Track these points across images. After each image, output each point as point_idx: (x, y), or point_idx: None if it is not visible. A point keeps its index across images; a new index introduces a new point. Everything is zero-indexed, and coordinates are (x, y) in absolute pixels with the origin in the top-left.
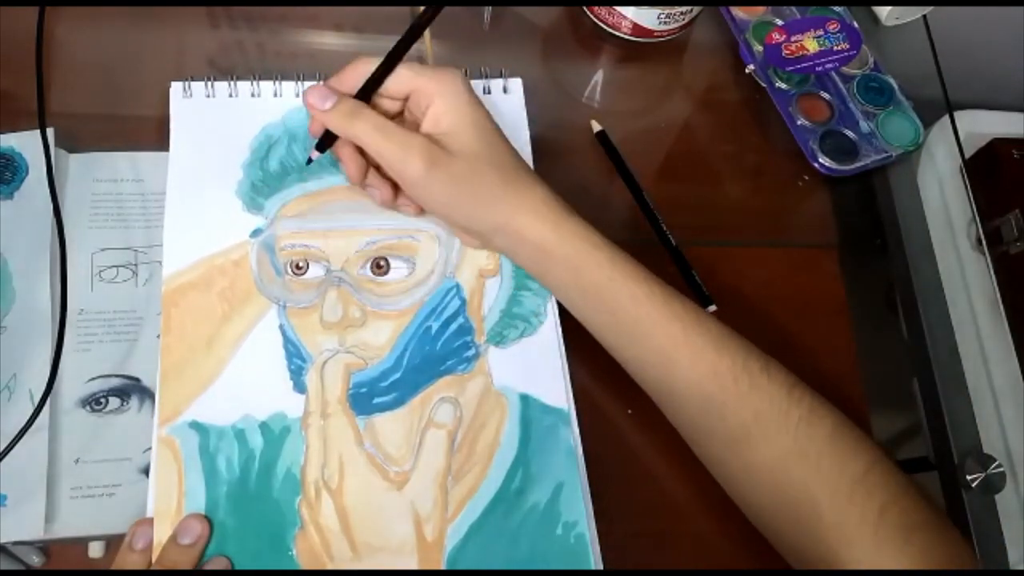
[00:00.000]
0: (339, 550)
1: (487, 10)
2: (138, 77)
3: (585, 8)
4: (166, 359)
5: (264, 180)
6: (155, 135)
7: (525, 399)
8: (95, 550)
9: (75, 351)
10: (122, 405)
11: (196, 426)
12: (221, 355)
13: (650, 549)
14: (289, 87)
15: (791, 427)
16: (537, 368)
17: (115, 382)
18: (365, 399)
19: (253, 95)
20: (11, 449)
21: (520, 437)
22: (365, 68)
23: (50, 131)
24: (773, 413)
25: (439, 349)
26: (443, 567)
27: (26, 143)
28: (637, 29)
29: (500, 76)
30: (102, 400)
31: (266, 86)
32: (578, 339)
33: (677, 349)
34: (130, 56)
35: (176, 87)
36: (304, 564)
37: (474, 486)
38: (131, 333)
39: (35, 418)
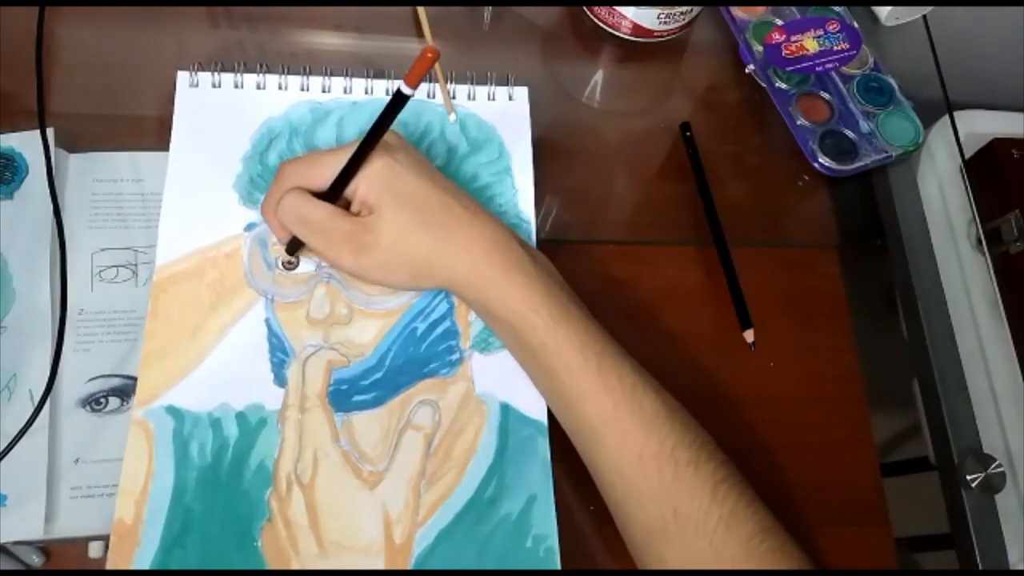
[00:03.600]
0: (305, 546)
1: (487, 10)
2: (138, 77)
3: (585, 8)
4: (149, 343)
5: (262, 175)
6: (155, 135)
7: (505, 408)
8: (95, 550)
9: (75, 351)
10: (122, 405)
11: (172, 411)
12: (204, 344)
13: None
14: (295, 81)
15: (709, 529)
16: (519, 378)
17: (115, 382)
18: (344, 396)
19: (259, 87)
20: (11, 449)
21: (497, 446)
22: (290, 178)
23: (50, 131)
24: (693, 511)
25: (423, 351)
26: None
27: (26, 143)
28: (637, 29)
29: (507, 83)
30: (102, 400)
31: (271, 79)
32: None
33: (605, 426)
34: (130, 56)
35: (183, 76)
36: (268, 557)
37: (447, 491)
38: (131, 333)
39: (35, 418)
